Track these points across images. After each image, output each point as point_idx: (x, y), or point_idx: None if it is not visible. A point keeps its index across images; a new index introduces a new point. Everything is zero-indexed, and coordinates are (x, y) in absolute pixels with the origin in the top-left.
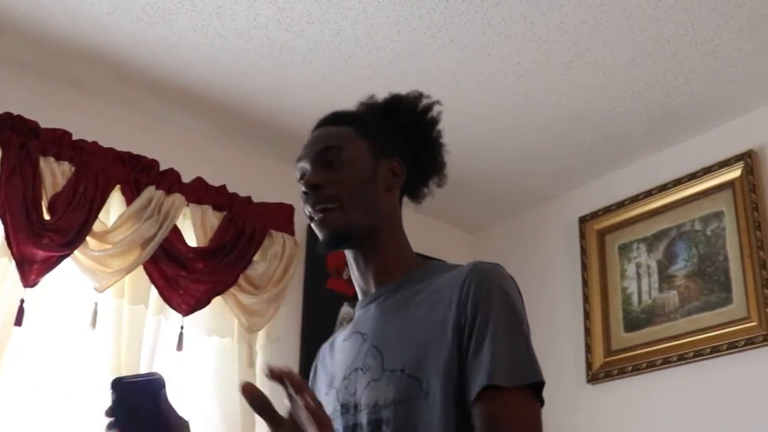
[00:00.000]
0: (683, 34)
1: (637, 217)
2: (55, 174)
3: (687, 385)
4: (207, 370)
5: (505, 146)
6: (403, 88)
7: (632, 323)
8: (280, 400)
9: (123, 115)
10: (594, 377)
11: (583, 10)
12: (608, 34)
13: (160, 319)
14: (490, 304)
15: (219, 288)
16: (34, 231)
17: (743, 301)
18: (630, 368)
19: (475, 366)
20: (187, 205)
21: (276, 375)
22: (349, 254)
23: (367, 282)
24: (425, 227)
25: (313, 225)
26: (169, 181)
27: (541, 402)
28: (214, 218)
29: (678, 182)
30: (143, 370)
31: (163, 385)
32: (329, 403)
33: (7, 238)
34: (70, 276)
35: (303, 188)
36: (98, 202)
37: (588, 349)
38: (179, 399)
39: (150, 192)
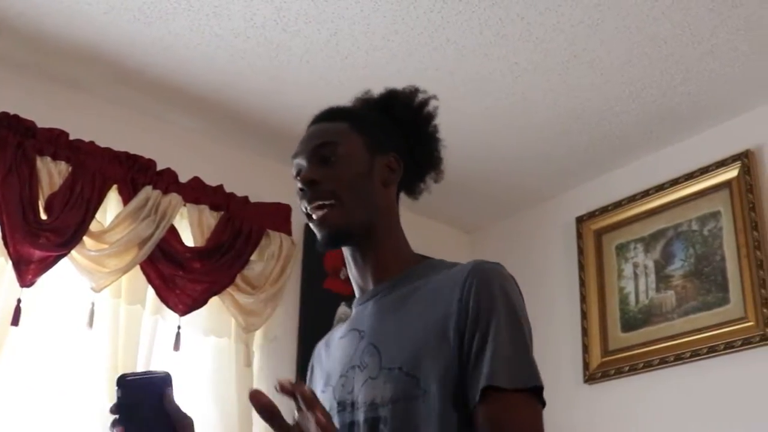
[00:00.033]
0: (680, 34)
1: (634, 217)
2: (51, 174)
3: (684, 385)
4: (204, 370)
5: (503, 146)
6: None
7: (629, 323)
8: (281, 403)
9: (120, 115)
10: (591, 377)
11: (580, 10)
12: (605, 34)
13: (157, 318)
14: (492, 305)
15: (216, 288)
16: (30, 231)
17: (740, 301)
18: (627, 368)
19: (477, 367)
20: (184, 205)
21: (287, 389)
22: (346, 251)
23: (365, 279)
24: (422, 227)
25: (311, 224)
26: (166, 181)
27: (543, 403)
28: (211, 218)
29: (675, 182)
30: (140, 370)
31: (170, 383)
32: (325, 401)
33: (4, 237)
34: (67, 276)
35: (299, 185)
36: (95, 202)
37: (585, 349)
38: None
39: (147, 192)
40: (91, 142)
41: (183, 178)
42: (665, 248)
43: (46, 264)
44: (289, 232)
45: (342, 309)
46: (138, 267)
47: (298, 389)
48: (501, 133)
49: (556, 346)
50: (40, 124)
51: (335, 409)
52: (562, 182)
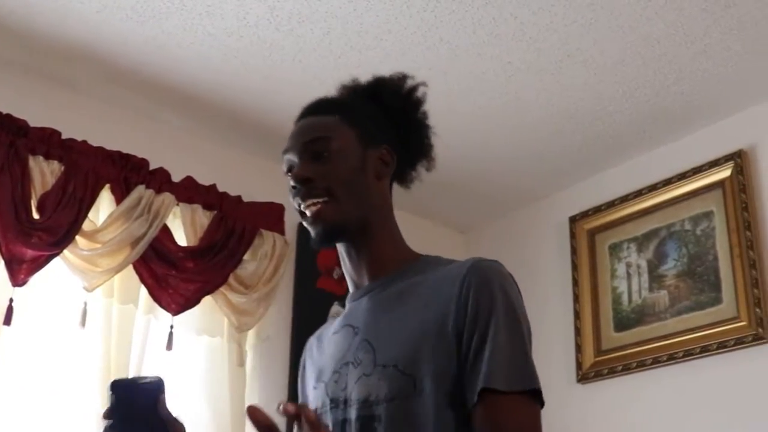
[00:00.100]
0: (673, 33)
1: (627, 217)
2: (44, 173)
3: (677, 384)
4: (197, 370)
5: (496, 146)
6: None
7: (622, 323)
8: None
9: (112, 114)
10: (584, 377)
11: (573, 10)
12: (598, 34)
13: (150, 318)
14: (491, 305)
15: (209, 287)
16: (23, 230)
17: (733, 301)
18: (620, 368)
19: (475, 368)
20: (177, 205)
21: (291, 413)
22: (341, 247)
23: (360, 275)
24: (417, 227)
25: (304, 221)
26: (159, 181)
27: (541, 404)
28: (204, 217)
29: (668, 182)
30: (133, 370)
31: (163, 389)
32: (318, 397)
33: None
34: (60, 275)
35: (292, 182)
36: (88, 201)
37: (578, 348)
38: (169, 398)
39: (140, 191)
40: (84, 142)
41: (176, 178)
42: (658, 248)
43: (39, 263)
44: (282, 232)
45: (335, 308)
46: (131, 266)
47: (302, 412)
48: (494, 133)
49: (549, 346)
50: (32, 123)
51: (328, 406)
52: (555, 182)
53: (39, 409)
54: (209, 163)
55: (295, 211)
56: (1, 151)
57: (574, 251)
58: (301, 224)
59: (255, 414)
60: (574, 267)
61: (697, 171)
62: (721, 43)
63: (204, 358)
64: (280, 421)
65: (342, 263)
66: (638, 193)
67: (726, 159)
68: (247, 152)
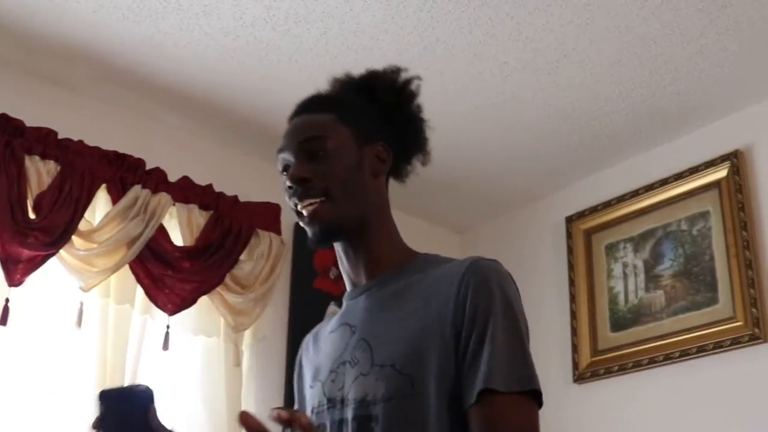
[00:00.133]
0: (669, 34)
1: (623, 217)
2: (40, 173)
3: (673, 384)
4: (193, 370)
5: (492, 146)
6: None
7: (619, 323)
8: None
9: (109, 114)
10: (580, 377)
11: (570, 10)
12: (595, 34)
13: (146, 318)
14: (490, 304)
15: (205, 287)
16: (19, 230)
17: (729, 301)
18: (616, 368)
19: (473, 368)
20: (174, 204)
21: (284, 419)
22: (338, 246)
23: (358, 273)
24: (413, 227)
25: (301, 221)
26: (156, 180)
27: (540, 404)
28: (200, 217)
29: (664, 182)
30: (129, 370)
31: (152, 398)
32: (314, 396)
33: None
34: (56, 275)
35: (288, 182)
36: (84, 201)
37: (574, 348)
38: (165, 398)
39: (136, 191)
40: (80, 141)
41: (172, 178)
42: (654, 248)
43: (35, 263)
44: (278, 232)
45: (331, 308)
46: (127, 266)
47: (295, 418)
48: (491, 133)
49: (545, 346)
50: (28, 123)
51: (325, 406)
52: (551, 182)
53: (35, 410)
54: (206, 163)
55: (292, 210)
56: None
57: (570, 251)
58: (297, 224)
59: (247, 420)
60: (571, 267)
61: (694, 171)
62: (717, 44)
63: (200, 358)
64: (273, 427)
65: (339, 262)
66: (635, 193)
67: (722, 159)
68: (244, 152)
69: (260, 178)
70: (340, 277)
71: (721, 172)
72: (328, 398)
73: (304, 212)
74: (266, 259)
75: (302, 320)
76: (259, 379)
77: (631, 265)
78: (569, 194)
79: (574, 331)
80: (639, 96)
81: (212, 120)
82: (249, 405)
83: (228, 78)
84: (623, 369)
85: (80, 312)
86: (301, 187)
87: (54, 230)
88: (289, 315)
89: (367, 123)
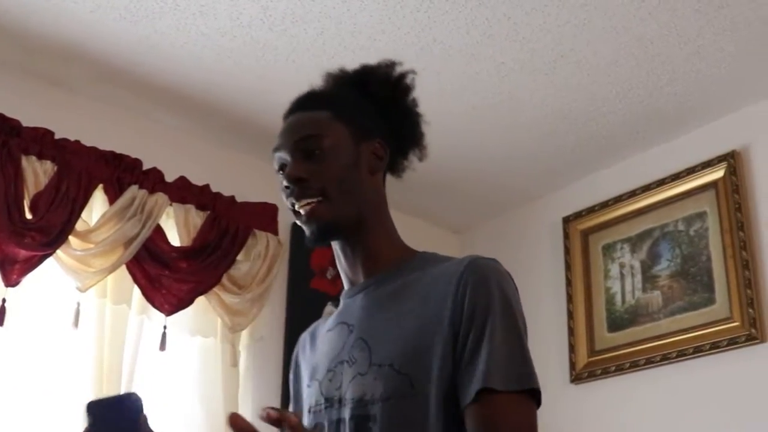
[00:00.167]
0: (666, 34)
1: (620, 218)
2: (37, 173)
3: (670, 385)
4: (190, 370)
5: (489, 146)
6: None
7: (616, 323)
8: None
9: (106, 114)
10: (577, 377)
11: (567, 11)
12: (592, 35)
13: (143, 318)
14: (488, 303)
15: (202, 288)
16: (16, 230)
17: (726, 302)
18: (613, 368)
19: (471, 368)
20: (171, 205)
21: (274, 418)
22: (336, 245)
23: (356, 272)
24: (411, 227)
25: (298, 220)
26: (152, 181)
27: (539, 403)
28: (197, 218)
29: (661, 182)
30: (126, 370)
31: (142, 407)
32: (311, 396)
33: None
34: (52, 275)
35: (285, 182)
36: (81, 202)
37: (571, 348)
38: (162, 399)
39: (133, 191)
40: (77, 141)
41: (169, 178)
42: (651, 248)
43: (32, 263)
44: (275, 232)
45: (328, 309)
46: (124, 267)
47: (284, 417)
48: (488, 133)
49: (542, 346)
50: (25, 123)
51: (322, 405)
52: (549, 182)
53: (32, 410)
54: (202, 163)
55: (289, 210)
56: None
57: (567, 251)
58: (294, 224)
59: (237, 421)
60: (568, 267)
61: (691, 171)
62: (714, 44)
63: (197, 358)
64: (264, 427)
65: (337, 260)
66: (632, 194)
67: (719, 160)
68: (241, 152)
69: (257, 179)
70: (337, 277)
71: (718, 173)
72: (326, 398)
73: (302, 212)
74: (263, 259)
75: (299, 320)
76: (256, 379)
77: (628, 266)
78: (566, 194)
79: (571, 332)
80: (636, 96)
81: (209, 120)
82: (246, 405)
83: (225, 78)
84: (620, 369)
85: (77, 312)
86: (297, 187)
87: (51, 230)
88: (286, 315)
89: (362, 119)
